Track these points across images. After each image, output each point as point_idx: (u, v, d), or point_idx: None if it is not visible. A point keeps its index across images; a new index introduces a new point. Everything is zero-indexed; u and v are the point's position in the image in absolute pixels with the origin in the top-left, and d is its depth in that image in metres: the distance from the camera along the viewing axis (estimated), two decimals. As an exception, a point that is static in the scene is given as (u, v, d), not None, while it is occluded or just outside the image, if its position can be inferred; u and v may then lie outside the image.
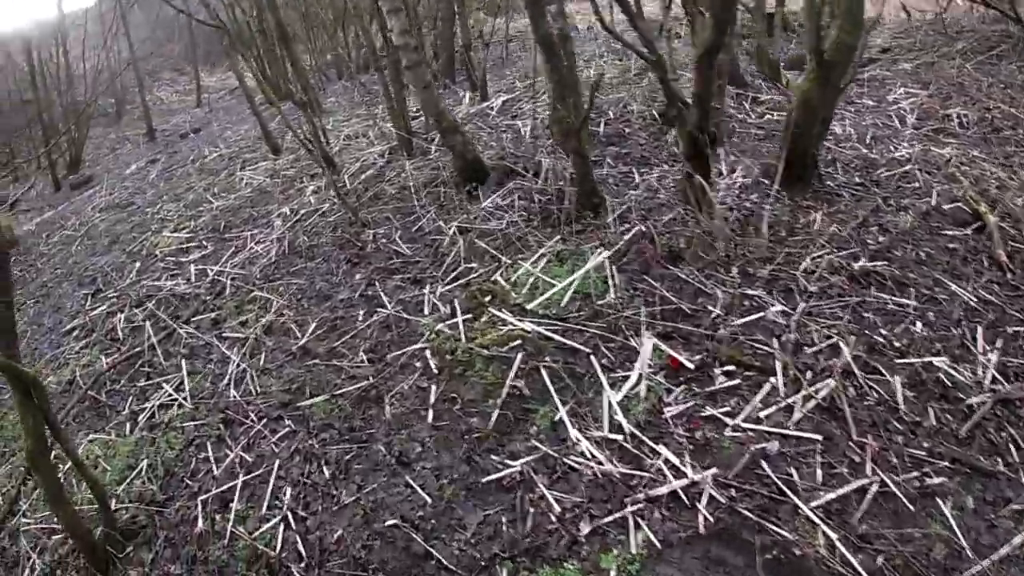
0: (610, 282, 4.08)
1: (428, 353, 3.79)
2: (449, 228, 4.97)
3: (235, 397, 3.94)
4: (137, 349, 4.78)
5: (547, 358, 3.58)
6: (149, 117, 14.41)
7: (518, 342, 3.66)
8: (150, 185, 9.36)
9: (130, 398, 4.37)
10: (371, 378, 3.74)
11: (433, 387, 3.54)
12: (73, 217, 9.19)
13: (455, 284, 4.41)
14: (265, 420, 3.69)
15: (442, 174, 5.99)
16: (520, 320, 3.86)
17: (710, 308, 3.91)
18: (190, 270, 5.74)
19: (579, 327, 3.80)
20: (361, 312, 4.37)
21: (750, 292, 4.00)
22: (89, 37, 17.23)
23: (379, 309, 4.34)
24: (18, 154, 15.26)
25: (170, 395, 4.20)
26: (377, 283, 4.64)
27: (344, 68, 13.82)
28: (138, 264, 6.36)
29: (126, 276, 6.23)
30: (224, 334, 4.63)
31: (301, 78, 8.16)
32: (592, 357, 3.61)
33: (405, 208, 5.60)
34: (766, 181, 5.11)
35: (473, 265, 4.54)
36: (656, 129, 6.56)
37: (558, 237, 4.63)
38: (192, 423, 3.88)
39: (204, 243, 6.29)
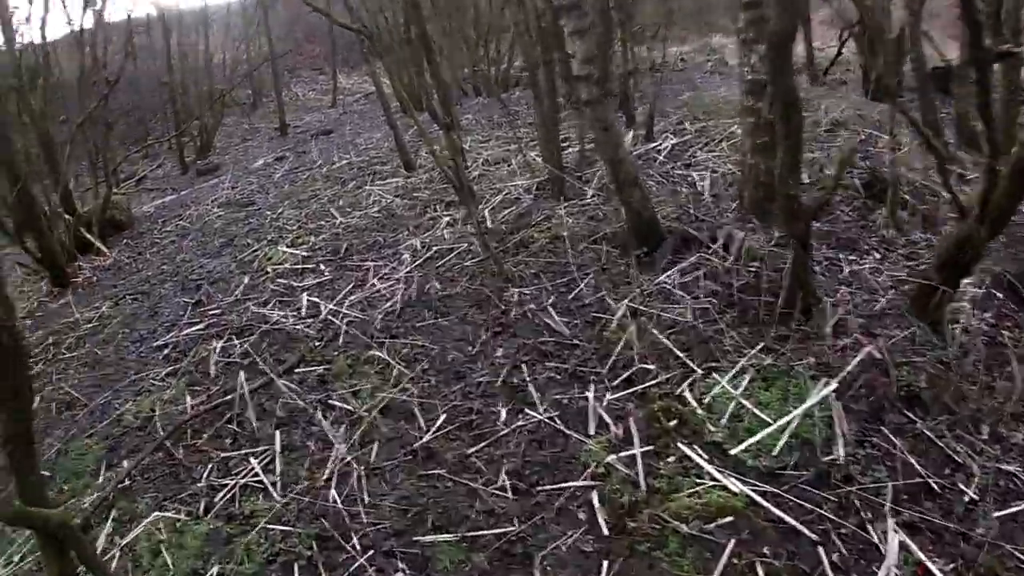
0: (836, 427, 2.95)
1: (595, 498, 2.76)
2: (617, 306, 3.94)
3: (336, 503, 3.01)
4: (228, 397, 3.94)
5: (765, 548, 2.49)
6: (283, 112, 14.09)
7: (729, 519, 2.58)
8: (274, 185, 8.79)
9: (211, 464, 3.53)
10: (517, 521, 2.73)
11: (604, 563, 2.49)
12: (192, 207, 8.71)
13: (627, 391, 3.36)
14: (372, 552, 2.72)
15: (603, 227, 4.99)
16: (723, 472, 2.77)
17: (961, 486, 2.74)
18: (302, 301, 4.93)
19: (801, 495, 2.70)
20: (504, 410, 3.37)
21: (1006, 467, 2.80)
22: (231, 29, 17.37)
23: (527, 409, 3.35)
24: (152, 133, 15.41)
25: (256, 475, 3.32)
26: (524, 368, 3.65)
27: (483, 84, 13.13)
28: (247, 279, 5.64)
29: (232, 290, 5.51)
30: (331, 400, 3.74)
31: (443, 95, 7.40)
32: (821, 549, 2.49)
33: (558, 266, 4.62)
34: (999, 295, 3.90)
35: (650, 367, 3.48)
36: (860, 203, 5.36)
37: (761, 344, 3.53)
38: (279, 527, 2.96)
39: (321, 267, 5.50)
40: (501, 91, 11.72)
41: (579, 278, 4.38)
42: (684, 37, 15.72)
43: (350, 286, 5.04)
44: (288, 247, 6.05)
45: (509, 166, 7.16)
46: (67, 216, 7.72)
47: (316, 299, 4.92)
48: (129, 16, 8.63)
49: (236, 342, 4.61)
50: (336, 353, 4.18)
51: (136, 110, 17.03)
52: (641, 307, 3.93)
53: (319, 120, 15.31)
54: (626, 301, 3.96)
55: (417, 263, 5.13)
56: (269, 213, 7.35)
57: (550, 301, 4.21)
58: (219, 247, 6.72)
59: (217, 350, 4.55)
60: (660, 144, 6.67)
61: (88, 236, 7.68)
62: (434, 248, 5.30)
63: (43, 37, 8.47)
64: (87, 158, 8.89)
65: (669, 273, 4.24)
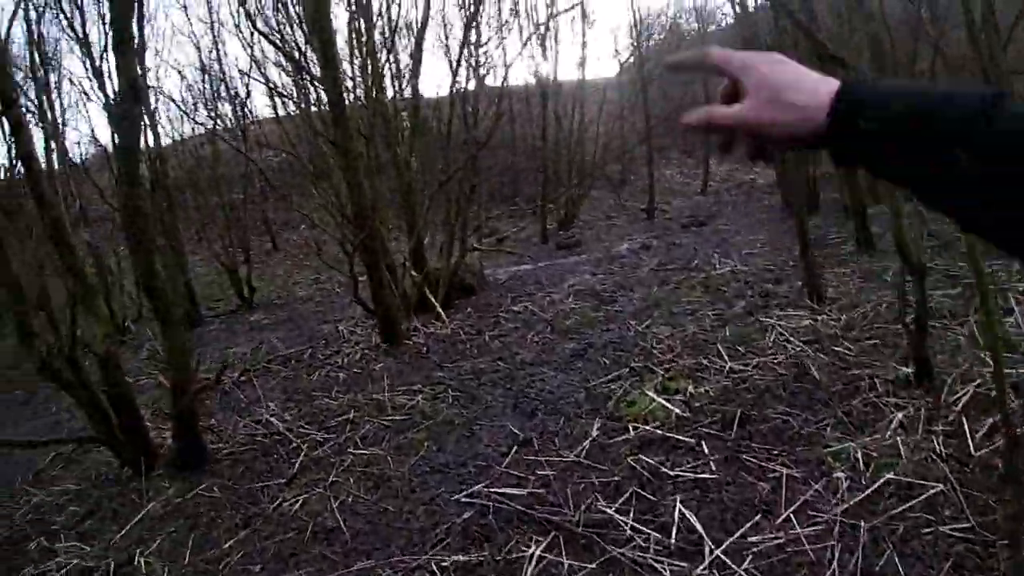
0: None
1: None
2: None
3: None
4: None
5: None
6: (652, 194, 12.73)
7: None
8: (639, 282, 7.14)
9: None
10: None
11: None
12: (546, 286, 7.46)
13: None
14: None
15: None
16: None
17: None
18: (671, 516, 3.01)
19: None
20: None
21: None
22: (606, 104, 16.65)
23: None
24: (520, 195, 15.23)
25: None
26: None
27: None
28: (596, 427, 3.89)
29: (574, 441, 3.82)
30: None
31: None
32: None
33: None
34: None
35: None
36: None
37: None
38: None
39: (704, 448, 3.53)
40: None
41: None
42: None
43: (746, 506, 2.98)
44: (657, 392, 4.21)
45: (975, 340, 4.53)
46: (414, 272, 6.89)
47: (695, 522, 2.93)
48: (505, 81, 7.95)
49: (565, 559, 2.81)
50: None
51: (508, 171, 17.19)
52: None
53: (688, 207, 13.68)
54: None
55: (857, 497, 2.90)
56: (634, 323, 5.65)
57: None
58: (569, 356, 5.14)
59: (533, 560, 2.81)
60: None
61: (431, 298, 6.75)
62: (884, 470, 3.02)
63: (414, 91, 7.94)
64: (448, 215, 8.16)
65: None
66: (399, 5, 12.92)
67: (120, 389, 4.23)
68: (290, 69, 7.46)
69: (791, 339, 4.88)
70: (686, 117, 0.73)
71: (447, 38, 15.62)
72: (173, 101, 17.12)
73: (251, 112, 19.20)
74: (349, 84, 8.14)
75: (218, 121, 14.02)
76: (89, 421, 4.31)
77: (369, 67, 7.31)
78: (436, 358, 5.60)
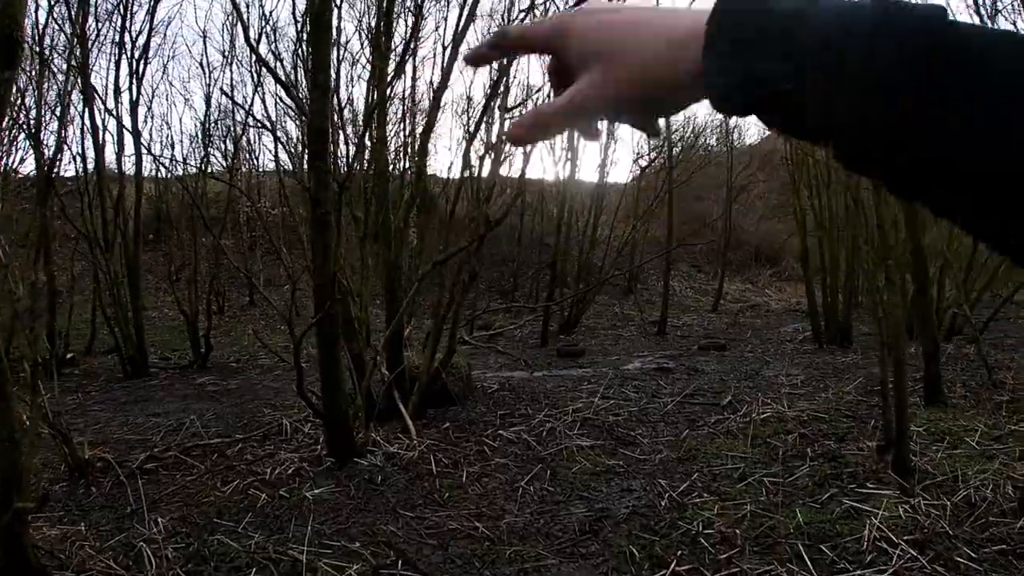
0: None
1: None
2: None
3: None
4: None
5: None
6: (666, 308, 11.34)
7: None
8: (663, 419, 5.54)
9: None
10: None
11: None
12: (545, 409, 5.86)
13: None
14: None
15: None
16: None
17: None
18: None
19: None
20: None
21: None
22: (622, 208, 15.59)
23: None
24: (519, 289, 13.86)
25: None
26: None
27: None
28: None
29: None
30: None
31: None
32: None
33: None
34: None
35: None
36: None
37: None
38: None
39: None
40: None
41: None
42: None
43: None
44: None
45: None
46: (385, 371, 5.33)
47: None
48: (523, 172, 6.74)
49: None
50: None
51: (508, 263, 15.93)
52: None
53: (700, 324, 12.28)
54: None
55: None
56: (664, 483, 4.05)
57: None
58: (577, 532, 3.50)
59: None
60: None
61: (400, 406, 5.16)
62: None
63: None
64: (440, 303, 6.66)
65: None
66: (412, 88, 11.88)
67: None
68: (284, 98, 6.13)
69: (892, 537, 3.34)
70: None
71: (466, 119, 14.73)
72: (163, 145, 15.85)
73: (251, 155, 18.15)
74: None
75: (214, 156, 12.84)
76: None
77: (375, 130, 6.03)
78: (391, 496, 3.96)
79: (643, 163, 16.18)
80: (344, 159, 6.90)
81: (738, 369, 7.58)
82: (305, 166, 5.14)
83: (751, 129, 20.35)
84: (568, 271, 12.30)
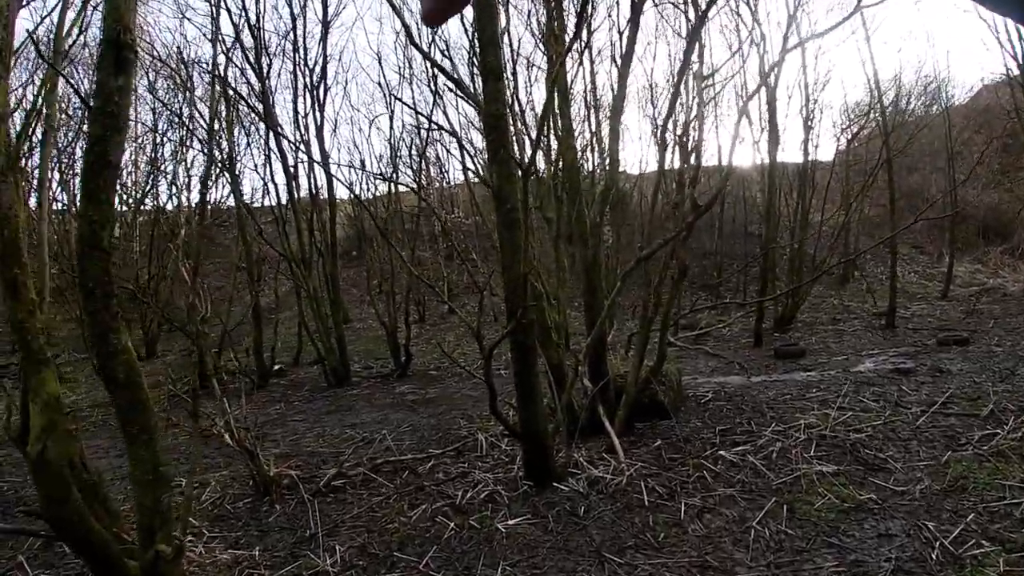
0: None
1: None
2: None
3: None
4: None
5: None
6: (894, 298, 9.66)
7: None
8: (915, 436, 4.34)
9: None
10: None
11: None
12: (768, 422, 4.95)
13: None
14: None
15: None
16: None
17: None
18: None
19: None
20: None
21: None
22: (832, 189, 13.67)
23: None
24: (726, 284, 12.67)
25: None
26: None
27: None
28: None
29: None
30: None
31: None
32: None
33: None
34: None
35: None
36: None
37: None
38: None
39: None
40: None
41: None
42: None
43: None
44: None
45: None
46: (587, 382, 4.72)
47: None
48: (730, 162, 5.81)
49: None
50: None
51: (711, 256, 14.73)
52: None
53: (931, 315, 10.37)
54: None
55: None
56: (932, 527, 3.02)
57: None
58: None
59: None
60: None
61: (605, 421, 4.53)
62: None
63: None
64: (646, 303, 5.94)
65: None
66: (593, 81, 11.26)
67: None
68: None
69: None
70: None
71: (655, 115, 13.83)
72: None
73: (440, 169, 18.57)
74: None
75: (404, 174, 13.15)
76: None
77: (559, 120, 5.50)
78: (596, 532, 3.33)
79: (851, 133, 14.23)
80: (527, 154, 6.48)
81: (990, 368, 6.05)
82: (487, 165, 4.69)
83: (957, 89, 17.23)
84: (777, 261, 10.99)
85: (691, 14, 6.54)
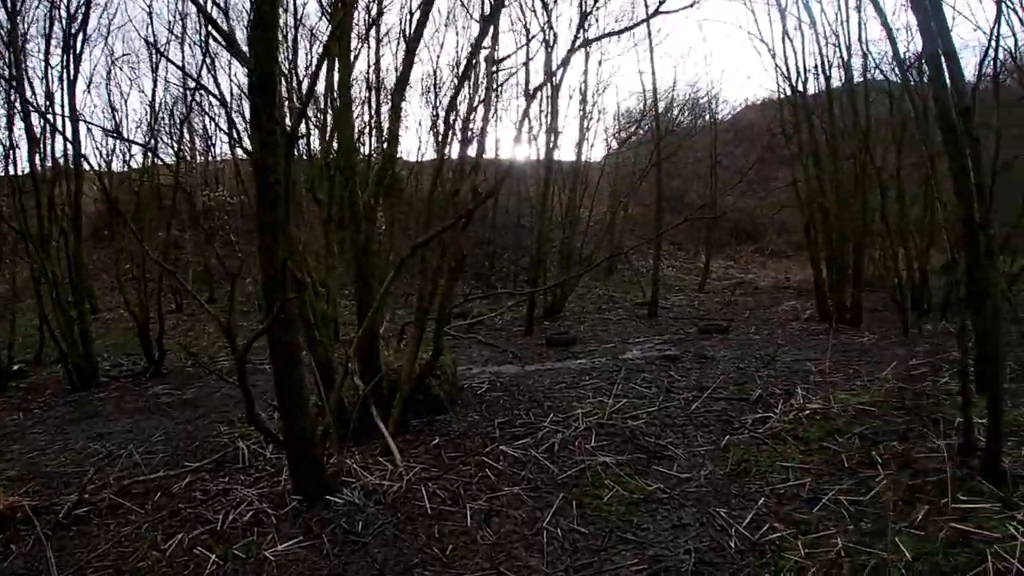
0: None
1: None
2: None
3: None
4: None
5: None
6: (656, 290, 10.45)
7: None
8: (693, 423, 4.50)
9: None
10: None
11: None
12: (544, 405, 4.94)
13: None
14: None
15: None
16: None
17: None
18: None
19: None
20: None
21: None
22: (602, 187, 14.62)
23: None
24: (496, 272, 12.87)
25: None
26: None
27: None
28: None
29: None
30: None
31: None
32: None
33: None
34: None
35: None
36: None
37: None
38: None
39: None
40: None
41: None
42: None
43: None
44: None
45: None
46: (358, 380, 4.32)
47: None
48: (513, 153, 5.84)
49: None
50: None
51: (484, 245, 14.94)
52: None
53: (690, 305, 11.45)
54: None
55: None
56: (724, 513, 3.12)
57: None
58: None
59: None
60: None
61: (379, 422, 4.16)
62: None
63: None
64: (422, 294, 5.65)
65: None
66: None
67: None
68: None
69: (1021, 567, 2.52)
70: None
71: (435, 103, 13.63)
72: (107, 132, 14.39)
73: (207, 143, 16.75)
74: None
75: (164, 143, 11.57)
76: None
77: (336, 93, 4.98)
78: (377, 550, 2.97)
79: (620, 137, 15.27)
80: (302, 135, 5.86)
81: (751, 355, 6.71)
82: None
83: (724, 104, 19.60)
84: (549, 253, 11.37)
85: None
